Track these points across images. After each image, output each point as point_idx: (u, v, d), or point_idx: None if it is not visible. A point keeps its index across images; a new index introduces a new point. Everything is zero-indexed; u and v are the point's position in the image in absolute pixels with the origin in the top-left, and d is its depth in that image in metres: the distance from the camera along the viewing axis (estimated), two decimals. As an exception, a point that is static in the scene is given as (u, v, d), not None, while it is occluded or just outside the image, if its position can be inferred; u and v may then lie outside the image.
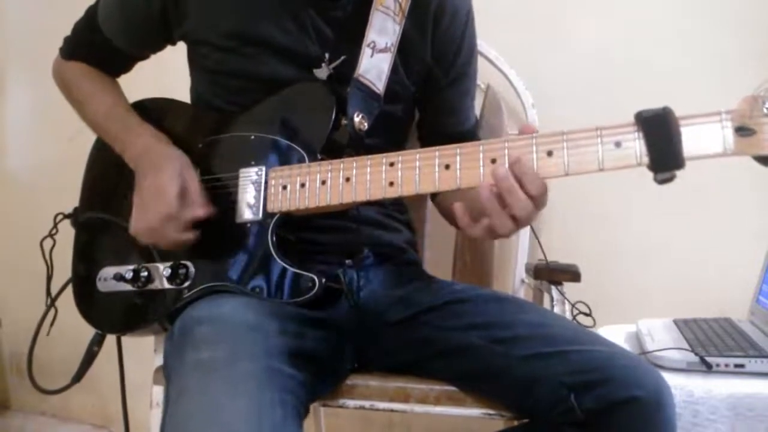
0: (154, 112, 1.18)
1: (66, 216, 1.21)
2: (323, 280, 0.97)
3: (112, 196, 1.17)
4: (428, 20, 1.14)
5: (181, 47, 1.19)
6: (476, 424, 1.08)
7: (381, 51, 1.09)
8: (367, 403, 1.05)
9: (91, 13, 1.21)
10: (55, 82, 1.26)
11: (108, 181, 1.19)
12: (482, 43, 1.59)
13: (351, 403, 1.06)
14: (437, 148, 0.89)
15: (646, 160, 0.77)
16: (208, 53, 1.12)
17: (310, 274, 0.97)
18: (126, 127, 1.13)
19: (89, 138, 1.22)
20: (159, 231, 1.01)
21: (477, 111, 1.53)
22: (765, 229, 1.52)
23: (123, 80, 1.26)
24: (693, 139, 0.75)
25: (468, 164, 0.86)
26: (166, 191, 1.01)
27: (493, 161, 0.84)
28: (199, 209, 1.02)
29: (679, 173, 0.76)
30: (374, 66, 1.09)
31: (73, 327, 1.12)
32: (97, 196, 1.20)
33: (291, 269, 0.98)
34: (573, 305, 1.14)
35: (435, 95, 1.20)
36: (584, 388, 0.89)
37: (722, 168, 0.77)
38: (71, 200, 1.21)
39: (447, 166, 0.87)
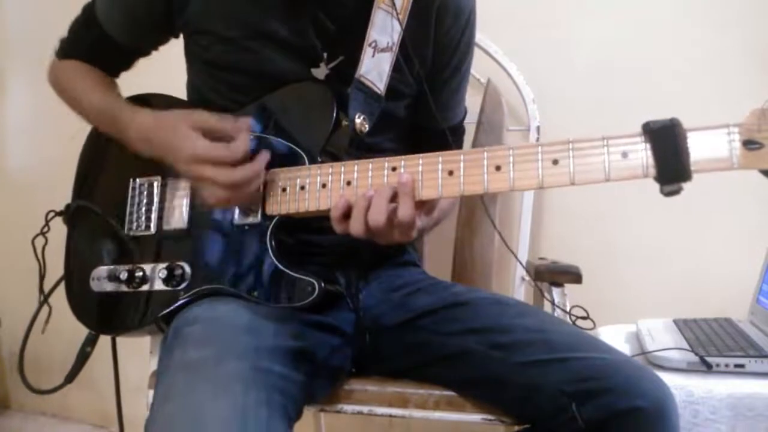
0: (149, 107, 1.15)
1: (57, 213, 1.19)
2: (322, 284, 0.95)
3: (103, 187, 1.16)
4: (431, 18, 1.12)
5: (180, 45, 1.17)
6: (476, 429, 1.07)
7: (382, 50, 1.08)
8: (365, 408, 1.04)
9: (88, 9, 1.17)
10: (50, 83, 1.22)
11: (99, 173, 1.18)
12: (483, 38, 1.58)
13: (349, 408, 1.05)
14: (440, 153, 0.87)
15: (653, 171, 0.75)
16: (209, 45, 1.09)
17: (310, 279, 0.95)
18: (120, 116, 1.08)
19: (87, 137, 1.21)
20: (236, 181, 0.93)
21: (477, 106, 1.53)
22: (765, 229, 1.52)
23: (122, 79, 1.24)
24: (700, 152, 0.74)
25: (472, 171, 0.85)
26: (196, 148, 0.93)
27: (498, 168, 0.83)
28: (234, 126, 0.95)
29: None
30: (375, 66, 1.07)
31: (72, 326, 1.11)
32: (89, 187, 1.18)
33: (290, 273, 0.97)
34: (569, 312, 1.13)
35: (430, 92, 1.19)
36: (585, 397, 0.89)
37: (723, 169, 0.76)
38: (67, 199, 1.19)
39: (450, 172, 0.86)
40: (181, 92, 1.19)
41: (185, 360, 0.83)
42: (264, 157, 0.97)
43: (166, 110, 1.01)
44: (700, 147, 0.74)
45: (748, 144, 0.72)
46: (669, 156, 0.74)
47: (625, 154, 0.77)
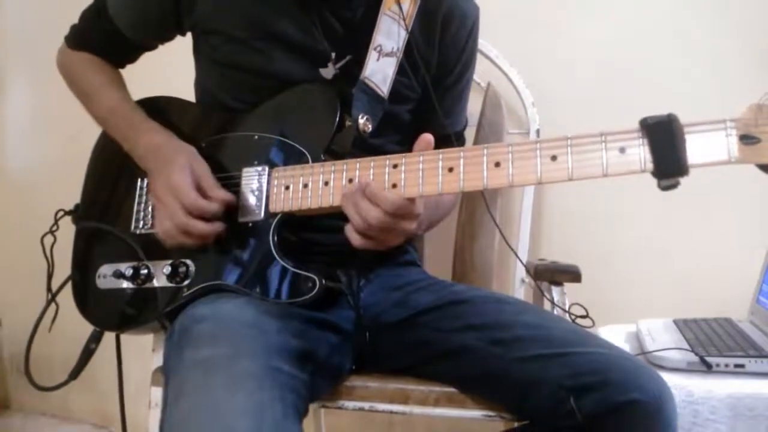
0: (157, 110, 1.17)
1: (67, 213, 1.20)
2: (323, 281, 0.96)
3: (111, 205, 1.17)
4: (437, 25, 1.15)
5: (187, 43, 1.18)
6: (476, 426, 1.08)
7: (387, 55, 1.10)
8: (366, 405, 1.05)
9: (100, 2, 1.19)
10: (60, 71, 1.25)
11: (108, 189, 1.19)
12: (483, 42, 1.58)
13: (350, 404, 1.05)
14: (440, 151, 0.89)
15: (650, 166, 0.76)
16: (218, 44, 1.11)
17: (311, 275, 0.97)
18: (131, 125, 1.13)
19: (89, 136, 1.22)
20: (186, 226, 0.99)
21: (477, 109, 1.54)
22: (765, 229, 1.52)
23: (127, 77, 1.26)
24: (697, 147, 0.75)
25: (471, 168, 0.86)
26: (180, 185, 1.00)
27: (497, 165, 0.84)
28: (219, 193, 1.01)
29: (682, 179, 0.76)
30: (380, 69, 1.09)
31: (76, 324, 1.12)
32: (97, 204, 1.19)
33: (292, 270, 0.98)
34: (568, 310, 1.14)
35: (432, 98, 1.20)
36: (584, 391, 0.89)
37: (722, 168, 0.76)
38: (71, 198, 1.20)
39: (450, 169, 0.87)
40: (180, 91, 1.21)
41: (197, 358, 0.83)
42: (221, 226, 1.01)
43: (172, 134, 1.10)
44: (697, 142, 0.75)
45: (745, 138, 0.73)
46: (666, 151, 0.75)
47: (622, 150, 0.78)
